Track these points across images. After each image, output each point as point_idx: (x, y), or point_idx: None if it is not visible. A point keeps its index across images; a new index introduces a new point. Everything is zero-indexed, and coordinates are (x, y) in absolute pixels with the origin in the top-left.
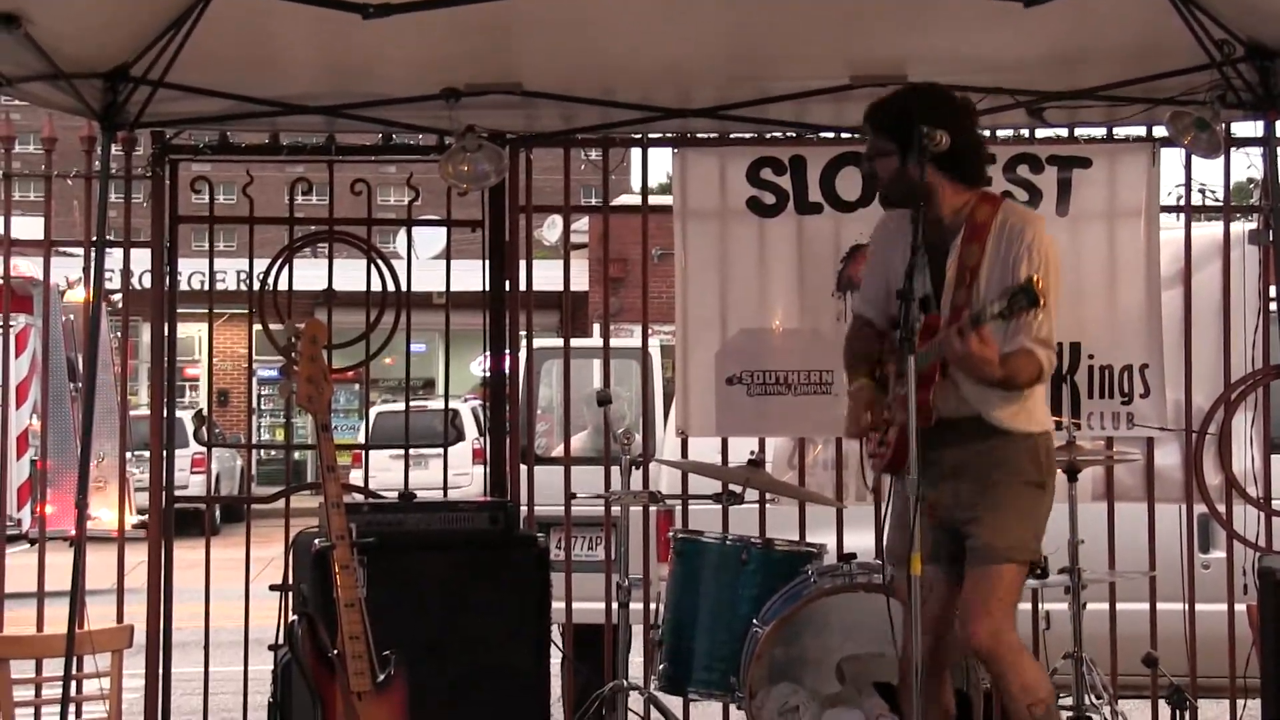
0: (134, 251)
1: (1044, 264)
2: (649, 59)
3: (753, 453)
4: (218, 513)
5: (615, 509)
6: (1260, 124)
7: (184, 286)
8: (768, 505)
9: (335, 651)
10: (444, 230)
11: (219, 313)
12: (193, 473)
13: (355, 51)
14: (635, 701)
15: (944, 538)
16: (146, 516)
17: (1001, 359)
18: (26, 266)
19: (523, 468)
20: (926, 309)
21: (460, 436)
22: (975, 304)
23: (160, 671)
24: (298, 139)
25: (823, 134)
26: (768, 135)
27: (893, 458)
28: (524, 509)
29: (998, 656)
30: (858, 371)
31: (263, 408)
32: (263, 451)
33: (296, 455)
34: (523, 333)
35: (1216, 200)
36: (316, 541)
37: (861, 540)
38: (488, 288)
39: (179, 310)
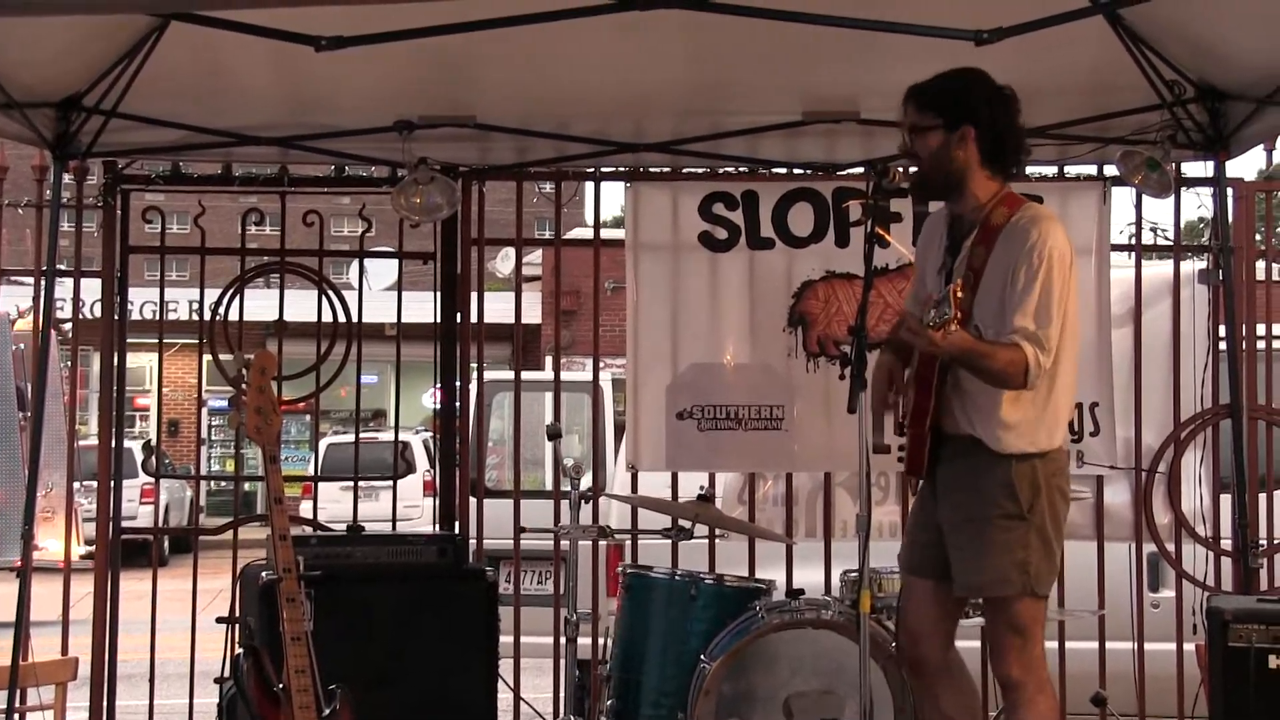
0: (85, 281)
1: (1046, 266)
2: (603, 93)
3: (703, 488)
4: (166, 544)
5: (565, 543)
6: (1210, 164)
7: (135, 316)
8: (717, 540)
9: (281, 685)
10: (396, 262)
11: (169, 343)
12: (141, 503)
13: (309, 83)
14: None
15: (933, 550)
16: (94, 547)
17: (981, 340)
18: None
19: (472, 501)
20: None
21: (410, 469)
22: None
23: (105, 705)
24: (250, 170)
25: (775, 169)
26: (720, 170)
27: (908, 462)
28: (473, 542)
29: (1023, 688)
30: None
31: (213, 438)
32: (212, 483)
33: (246, 486)
34: (474, 365)
35: (1167, 239)
36: (264, 574)
37: (810, 576)
38: (439, 319)
39: (129, 340)
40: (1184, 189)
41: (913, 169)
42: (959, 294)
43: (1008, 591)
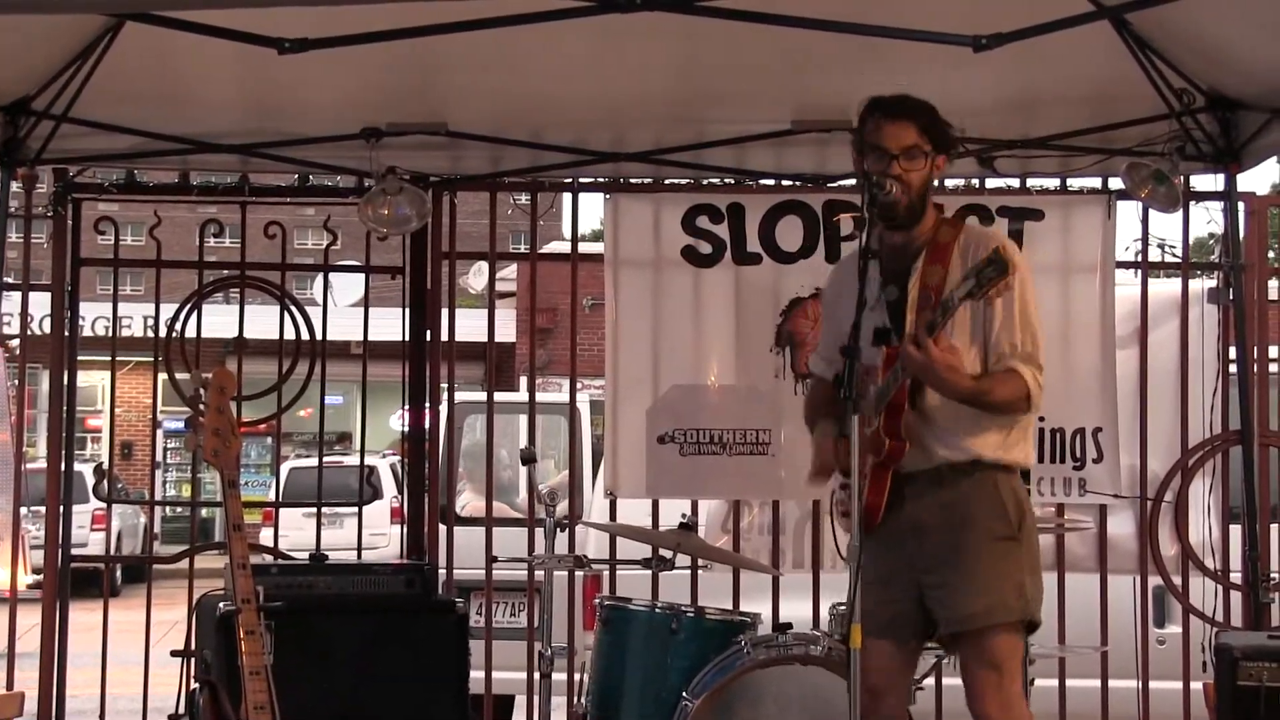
0: (34, 294)
1: (1019, 279)
2: (581, 100)
3: (685, 516)
4: (118, 573)
5: (539, 573)
6: (1221, 177)
7: (86, 332)
8: (700, 571)
9: None
10: (362, 276)
11: (123, 360)
12: (92, 530)
13: (271, 88)
14: None
15: (895, 607)
16: (41, 576)
17: (979, 377)
18: None
19: (442, 528)
20: (885, 341)
21: (377, 494)
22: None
23: None
24: (209, 178)
25: (762, 180)
26: (704, 181)
27: (868, 516)
28: (443, 572)
29: None
30: (819, 418)
31: (168, 462)
32: (167, 509)
33: (203, 513)
34: (444, 385)
35: (1175, 256)
36: (221, 605)
37: (798, 609)
38: (408, 337)
39: (80, 357)
40: (1193, 203)
41: (890, 193)
42: (1007, 254)
43: (1007, 618)
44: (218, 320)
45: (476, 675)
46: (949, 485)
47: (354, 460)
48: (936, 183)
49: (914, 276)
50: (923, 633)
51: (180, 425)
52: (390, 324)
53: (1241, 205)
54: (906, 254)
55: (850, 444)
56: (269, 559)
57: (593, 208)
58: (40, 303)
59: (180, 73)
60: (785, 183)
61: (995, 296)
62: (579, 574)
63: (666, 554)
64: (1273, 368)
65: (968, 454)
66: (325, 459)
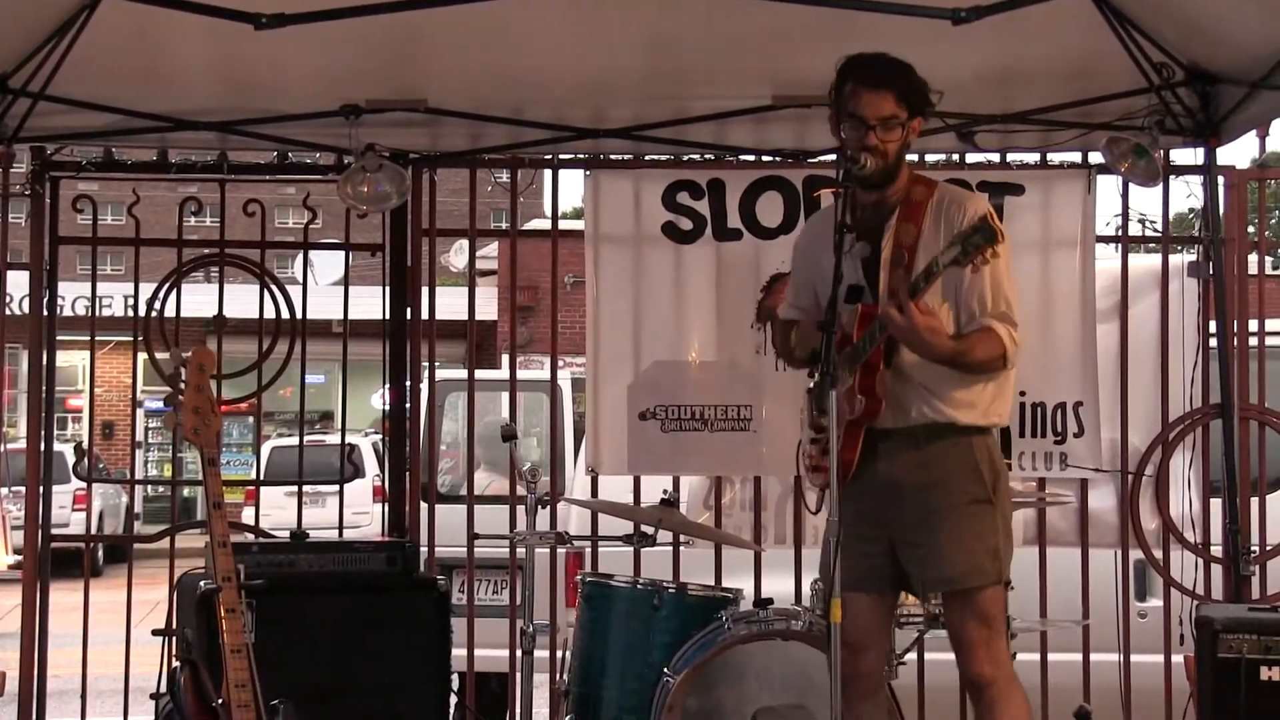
0: (12, 274)
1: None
2: (561, 76)
3: (666, 492)
4: (99, 552)
5: (521, 550)
6: (1200, 151)
7: (66, 312)
8: (682, 548)
9: (220, 700)
10: (342, 254)
11: (103, 340)
12: (73, 510)
13: (249, 64)
14: None
15: (873, 560)
16: (22, 556)
17: (956, 338)
18: None
19: (424, 506)
20: (859, 298)
21: (359, 473)
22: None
23: None
24: (188, 156)
25: (743, 156)
26: (685, 157)
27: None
28: (424, 550)
29: (995, 685)
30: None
31: (149, 441)
32: (149, 488)
33: (184, 492)
34: (425, 364)
35: (1155, 230)
36: (202, 583)
37: (780, 585)
38: (389, 316)
39: (60, 337)
40: (1173, 177)
41: (869, 160)
42: (995, 222)
43: (983, 581)
44: (198, 299)
45: (459, 653)
46: (924, 446)
47: (335, 439)
48: (916, 157)
49: (887, 234)
50: (897, 585)
51: (161, 404)
52: (371, 302)
53: (1221, 179)
54: (879, 212)
55: (830, 420)
56: (250, 537)
57: (573, 185)
58: (19, 282)
59: (158, 49)
60: (765, 158)
61: (981, 265)
62: (561, 551)
63: (648, 530)
64: (1252, 341)
65: (945, 417)
66: (306, 438)
